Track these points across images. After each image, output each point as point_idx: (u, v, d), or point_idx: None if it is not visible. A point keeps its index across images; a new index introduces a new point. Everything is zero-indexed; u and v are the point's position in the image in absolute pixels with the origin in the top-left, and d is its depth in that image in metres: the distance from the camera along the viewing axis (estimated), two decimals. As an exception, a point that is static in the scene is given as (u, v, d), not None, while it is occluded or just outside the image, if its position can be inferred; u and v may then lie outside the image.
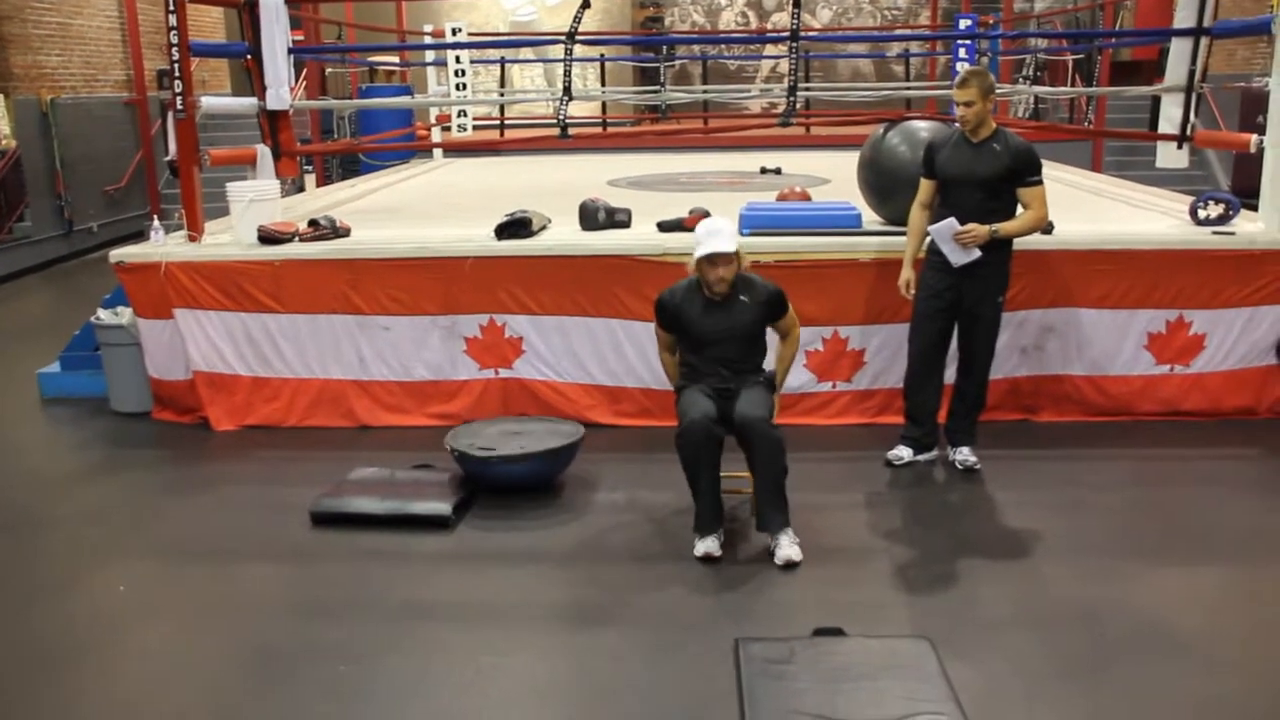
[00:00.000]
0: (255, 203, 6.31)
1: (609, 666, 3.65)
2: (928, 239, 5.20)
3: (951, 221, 5.04)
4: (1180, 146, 7.33)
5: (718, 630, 3.83)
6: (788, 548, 4.33)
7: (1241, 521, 4.77)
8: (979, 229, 5.00)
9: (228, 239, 6.41)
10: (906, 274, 5.30)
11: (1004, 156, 5.01)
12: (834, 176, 9.19)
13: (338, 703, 3.43)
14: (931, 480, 5.27)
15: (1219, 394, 6.01)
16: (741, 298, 4.54)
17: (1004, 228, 5.05)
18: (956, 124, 5.14)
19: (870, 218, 6.44)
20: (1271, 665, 3.62)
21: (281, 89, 7.02)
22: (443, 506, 4.80)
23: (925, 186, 5.27)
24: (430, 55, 12.05)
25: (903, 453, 5.42)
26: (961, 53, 10.03)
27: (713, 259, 4.41)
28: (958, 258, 5.07)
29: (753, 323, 4.57)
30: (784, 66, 12.32)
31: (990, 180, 5.05)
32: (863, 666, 3.52)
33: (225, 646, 3.85)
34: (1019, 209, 5.11)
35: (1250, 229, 6.10)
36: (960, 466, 5.33)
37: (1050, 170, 9.72)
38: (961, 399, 5.38)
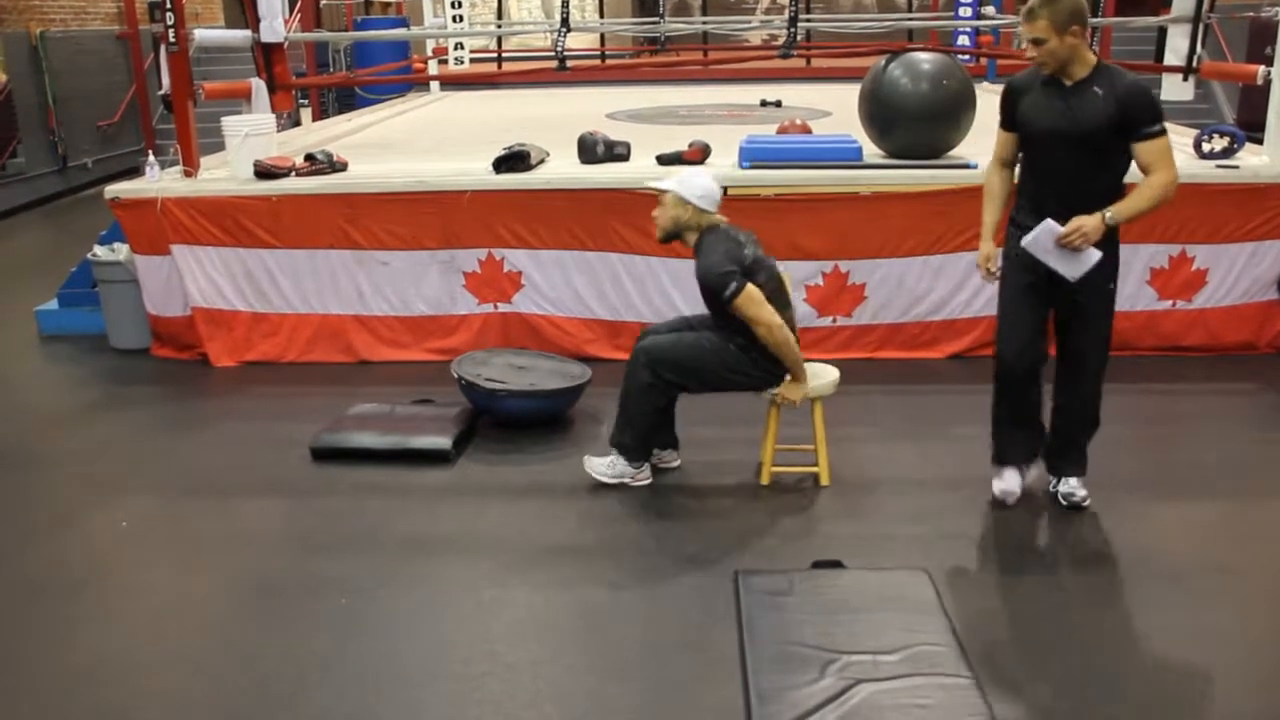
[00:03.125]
0: (251, 137, 6.25)
1: (610, 599, 3.67)
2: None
3: (1048, 225, 3.83)
4: (1186, 78, 7.25)
5: (718, 562, 3.86)
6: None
7: (1237, 455, 4.78)
8: (1088, 224, 3.78)
9: (224, 174, 6.36)
10: (986, 248, 4.19)
11: (1108, 102, 3.78)
12: (835, 109, 9.10)
13: (338, 636, 3.46)
14: (930, 415, 5.28)
15: (1220, 329, 6.00)
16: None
17: (1121, 211, 3.82)
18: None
19: (871, 151, 6.37)
20: (1262, 596, 3.65)
21: (276, 21, 6.92)
22: (443, 441, 4.81)
23: (1004, 141, 4.14)
24: (426, -14, 11.85)
25: (1013, 484, 4.30)
26: (964, -17, 9.88)
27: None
28: (1072, 269, 3.85)
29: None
30: (785, -3, 12.13)
31: (1093, 136, 3.82)
32: (861, 599, 3.54)
33: (226, 581, 3.87)
34: (1128, 173, 3.94)
35: (1254, 163, 6.04)
36: (1065, 502, 4.26)
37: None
38: (1065, 416, 4.27)
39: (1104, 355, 4.17)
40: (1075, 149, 3.86)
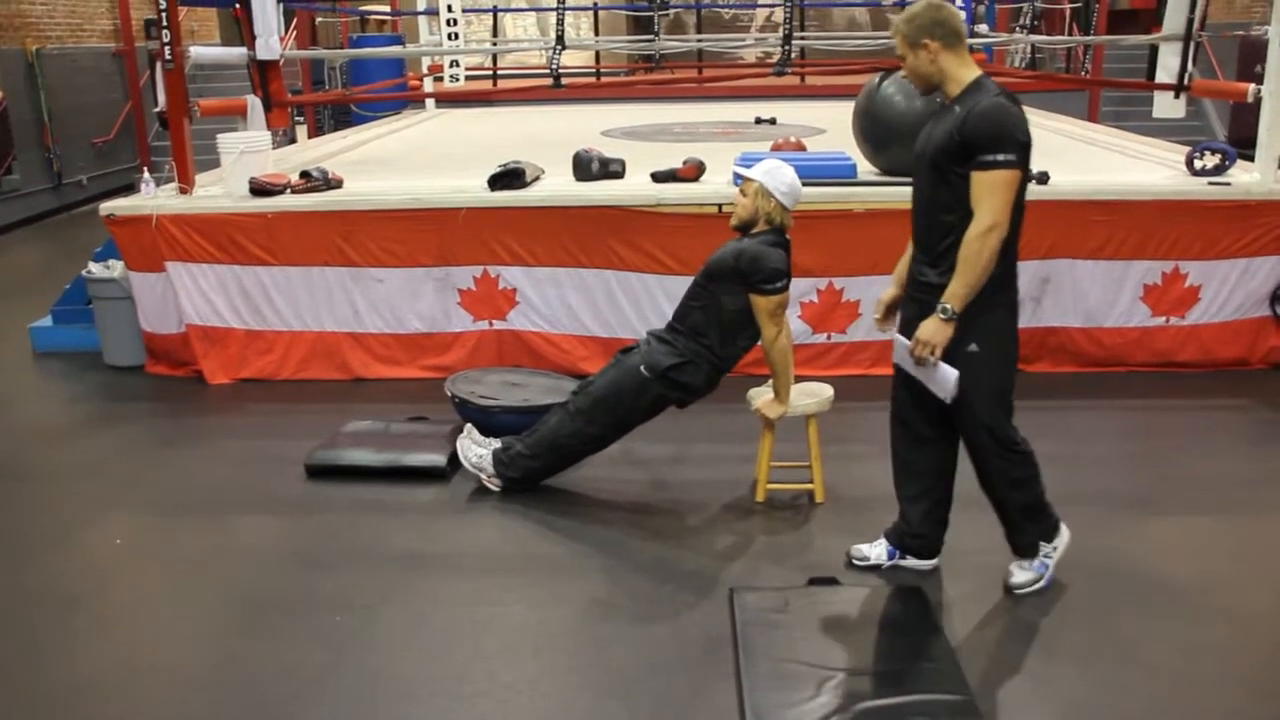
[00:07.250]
0: (246, 154, 6.26)
1: (604, 616, 3.67)
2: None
3: (899, 341, 3.59)
4: (1177, 96, 7.31)
5: (713, 580, 3.85)
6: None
7: (1232, 472, 4.79)
8: (923, 331, 3.41)
9: (219, 191, 6.36)
10: (886, 294, 3.83)
11: (957, 122, 3.35)
12: (829, 126, 9.13)
13: (334, 652, 3.45)
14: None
15: (1213, 345, 6.02)
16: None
17: (954, 294, 3.35)
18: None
19: (865, 168, 6.40)
20: (1259, 613, 3.65)
21: (271, 38, 6.94)
22: (438, 458, 4.80)
23: None
24: (422, 4, 11.91)
25: (867, 550, 3.94)
26: (958, 1, 9.92)
27: None
28: (937, 388, 3.47)
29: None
30: (779, 15, 12.19)
31: (934, 159, 3.43)
32: (857, 616, 3.55)
33: (221, 597, 3.86)
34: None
35: (1246, 179, 6.08)
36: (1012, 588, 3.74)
37: (1046, 120, 9.68)
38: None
39: (979, 436, 3.59)
40: (923, 177, 3.50)
